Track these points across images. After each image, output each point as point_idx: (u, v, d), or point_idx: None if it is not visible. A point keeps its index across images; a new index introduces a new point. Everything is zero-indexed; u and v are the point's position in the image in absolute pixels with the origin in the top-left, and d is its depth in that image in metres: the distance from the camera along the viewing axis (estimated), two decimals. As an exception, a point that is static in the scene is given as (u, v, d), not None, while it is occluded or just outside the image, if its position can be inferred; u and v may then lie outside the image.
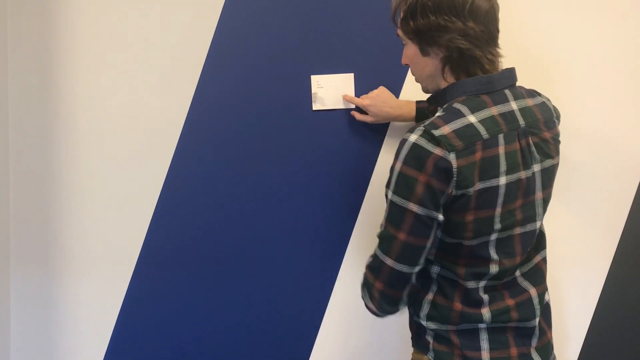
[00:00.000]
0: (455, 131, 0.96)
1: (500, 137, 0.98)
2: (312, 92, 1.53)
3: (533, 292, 1.08)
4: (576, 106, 1.50)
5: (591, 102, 1.50)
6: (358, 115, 1.48)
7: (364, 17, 1.52)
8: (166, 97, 1.56)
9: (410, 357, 1.18)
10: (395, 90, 1.52)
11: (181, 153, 1.57)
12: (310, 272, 1.57)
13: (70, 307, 1.61)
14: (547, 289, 1.15)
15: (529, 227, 1.04)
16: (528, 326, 1.06)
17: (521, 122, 1.02)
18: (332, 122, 1.53)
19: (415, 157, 0.95)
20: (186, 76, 1.55)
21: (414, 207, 0.96)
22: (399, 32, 1.10)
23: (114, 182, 1.58)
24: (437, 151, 0.94)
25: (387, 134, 1.53)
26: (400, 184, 0.97)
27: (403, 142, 0.99)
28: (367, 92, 1.49)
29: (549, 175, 1.07)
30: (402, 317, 1.54)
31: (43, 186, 1.59)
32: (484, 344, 1.04)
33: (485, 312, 1.03)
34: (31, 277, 1.61)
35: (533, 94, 1.11)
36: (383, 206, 1.54)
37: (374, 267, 1.04)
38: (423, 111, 1.42)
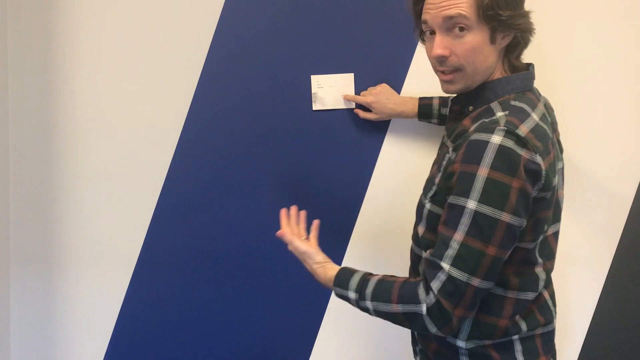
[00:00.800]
0: (532, 131, 0.88)
1: (551, 133, 0.95)
2: (312, 92, 1.53)
3: (546, 294, 1.03)
4: (576, 106, 1.50)
5: (591, 102, 1.50)
6: (362, 113, 1.48)
7: (364, 17, 1.52)
8: (166, 97, 1.56)
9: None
10: (396, 90, 1.52)
11: (181, 153, 1.57)
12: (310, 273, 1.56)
13: (70, 307, 1.61)
14: None
15: (558, 226, 1.00)
16: (549, 329, 1.02)
17: (549, 118, 1.00)
18: (332, 122, 1.53)
19: (505, 160, 0.83)
20: (186, 76, 1.55)
21: (507, 218, 0.84)
22: (464, 17, 0.91)
23: (114, 182, 1.58)
24: (525, 153, 0.84)
25: (388, 134, 1.53)
26: (491, 193, 0.84)
27: (481, 144, 0.85)
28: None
29: (563, 176, 1.05)
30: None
31: (43, 186, 1.59)
32: (519, 355, 0.97)
33: (521, 321, 0.97)
34: (31, 277, 1.61)
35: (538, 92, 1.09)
36: (383, 206, 1.55)
37: (454, 294, 0.86)
38: (426, 108, 1.40)
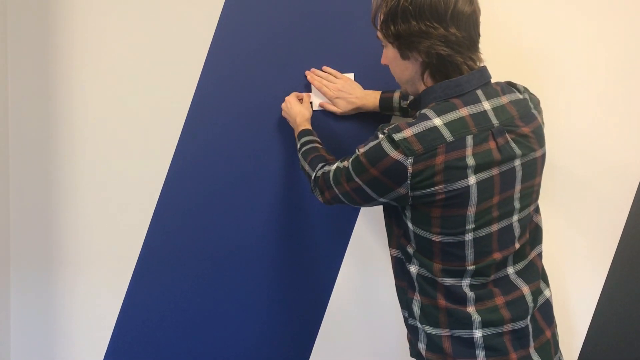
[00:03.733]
0: (416, 134, 0.97)
1: (469, 138, 0.97)
2: (312, 92, 1.53)
3: (526, 289, 1.06)
4: (576, 106, 1.50)
5: (591, 102, 1.50)
6: (328, 106, 1.50)
7: (364, 17, 1.52)
8: (166, 97, 1.56)
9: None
10: (395, 90, 1.52)
11: (181, 153, 1.57)
12: (310, 272, 1.57)
13: (70, 307, 1.61)
14: (547, 286, 1.14)
15: (505, 223, 1.03)
16: (522, 326, 1.04)
17: (494, 121, 1.01)
18: (332, 122, 1.53)
19: (373, 153, 1.00)
20: (186, 76, 1.55)
21: (359, 182, 1.04)
22: (379, 34, 1.09)
23: (114, 182, 1.58)
24: (395, 155, 0.97)
25: (387, 134, 1.53)
26: (355, 165, 1.04)
27: (375, 136, 1.03)
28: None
29: (532, 168, 1.05)
30: (401, 319, 1.54)
31: (43, 186, 1.59)
32: (480, 351, 1.02)
33: (472, 311, 1.03)
34: (31, 277, 1.61)
35: (509, 89, 1.09)
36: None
37: (326, 182, 1.14)
38: (387, 101, 1.43)
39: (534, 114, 1.09)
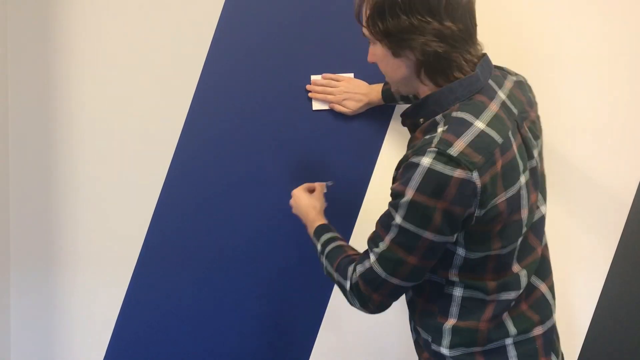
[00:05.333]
0: (470, 145, 0.85)
1: (510, 134, 0.90)
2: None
3: (544, 287, 1.01)
4: (576, 106, 1.50)
5: (591, 101, 1.50)
6: (337, 107, 1.48)
7: (364, 17, 1.52)
8: (166, 97, 1.56)
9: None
10: (395, 90, 1.53)
11: (181, 153, 1.57)
12: (310, 272, 1.57)
13: (70, 307, 1.61)
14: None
15: (536, 217, 0.98)
16: (549, 326, 1.00)
17: (514, 110, 0.95)
18: (332, 122, 1.53)
19: (432, 184, 0.84)
20: (186, 76, 1.55)
21: (430, 236, 0.87)
22: (365, 31, 0.98)
23: (114, 181, 1.58)
24: (458, 173, 0.84)
25: (387, 134, 1.53)
26: (414, 214, 0.87)
27: (412, 165, 0.87)
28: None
29: (541, 157, 1.02)
30: (401, 319, 1.54)
31: (43, 186, 1.59)
32: (513, 358, 0.97)
33: (508, 321, 0.96)
34: (31, 277, 1.61)
35: (505, 74, 1.02)
36: (383, 206, 1.54)
37: (372, 282, 0.94)
38: (388, 92, 1.40)
39: (531, 97, 1.04)
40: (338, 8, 1.52)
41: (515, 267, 0.95)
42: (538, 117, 1.02)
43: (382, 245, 0.92)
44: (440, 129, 0.90)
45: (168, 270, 1.58)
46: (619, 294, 1.52)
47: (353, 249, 1.08)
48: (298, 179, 1.55)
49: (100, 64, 1.57)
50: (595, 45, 1.49)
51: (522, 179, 0.91)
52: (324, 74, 1.51)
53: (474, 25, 0.93)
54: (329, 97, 1.47)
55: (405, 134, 1.52)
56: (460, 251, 0.93)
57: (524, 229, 0.93)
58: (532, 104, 1.01)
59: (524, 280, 0.96)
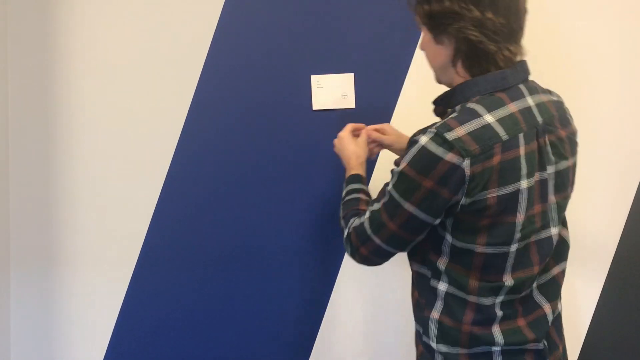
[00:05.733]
0: (470, 133, 0.87)
1: (521, 136, 0.90)
2: (312, 92, 1.53)
3: (547, 308, 1.00)
4: (576, 105, 1.50)
5: (591, 101, 1.50)
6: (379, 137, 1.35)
7: (364, 17, 1.52)
8: (166, 97, 1.56)
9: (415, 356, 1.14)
10: (395, 90, 1.52)
11: (181, 153, 1.57)
12: (310, 272, 1.57)
13: (70, 307, 1.61)
14: (560, 300, 1.08)
15: (543, 235, 0.96)
16: (541, 347, 0.98)
17: (539, 118, 0.94)
18: (332, 122, 1.53)
19: (423, 161, 0.89)
20: (186, 76, 1.55)
21: (409, 208, 0.92)
22: (416, 17, 1.01)
23: (114, 182, 1.58)
24: (449, 157, 0.87)
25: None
26: (400, 184, 0.92)
27: (412, 142, 0.92)
28: (367, 92, 1.52)
29: (563, 179, 0.98)
30: (401, 319, 1.54)
31: (43, 186, 1.59)
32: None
33: (497, 332, 0.95)
34: (31, 277, 1.61)
35: (543, 89, 1.04)
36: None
37: (361, 236, 1.01)
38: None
39: (569, 119, 1.03)
40: (338, 8, 1.52)
41: (507, 277, 0.94)
42: (570, 140, 1.00)
43: (376, 206, 0.99)
44: (450, 115, 0.93)
45: (168, 270, 1.58)
46: (619, 294, 1.52)
47: (367, 205, 1.11)
48: (298, 179, 1.55)
49: (100, 63, 1.57)
50: (595, 44, 1.49)
51: (524, 184, 0.90)
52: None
53: (519, 24, 0.95)
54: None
55: (405, 133, 1.53)
56: (448, 237, 0.95)
57: (518, 235, 0.92)
58: (565, 123, 1.01)
59: (503, 292, 0.95)
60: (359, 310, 1.57)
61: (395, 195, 0.93)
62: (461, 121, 0.89)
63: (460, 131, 0.88)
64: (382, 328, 1.57)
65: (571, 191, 1.03)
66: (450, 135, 0.87)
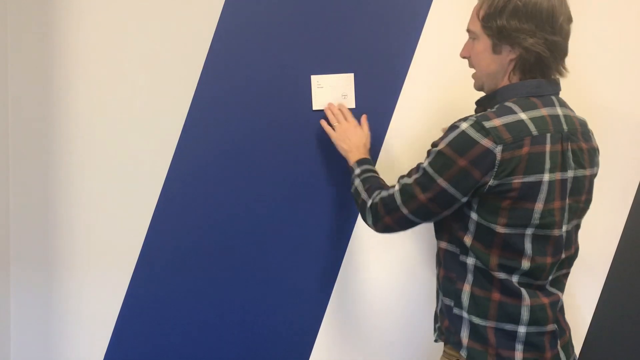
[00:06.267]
0: (505, 125, 1.01)
1: (548, 136, 1.03)
2: (312, 92, 1.53)
3: (560, 296, 1.14)
4: (576, 105, 1.50)
5: (591, 101, 1.50)
6: (330, 134, 1.45)
7: (364, 17, 1.52)
8: (166, 97, 1.56)
9: (442, 352, 1.21)
10: (395, 90, 1.52)
11: (181, 153, 1.57)
12: (310, 272, 1.57)
13: (70, 307, 1.61)
14: None
15: (557, 232, 1.07)
16: (556, 327, 1.11)
17: (565, 127, 1.07)
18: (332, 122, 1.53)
19: (460, 143, 1.02)
20: (186, 76, 1.55)
21: (442, 183, 1.04)
22: (473, 27, 1.12)
23: (114, 182, 1.58)
24: (485, 142, 1.00)
25: (387, 134, 1.53)
26: (438, 161, 1.04)
27: (453, 127, 1.04)
28: (367, 92, 1.52)
29: (579, 185, 1.10)
30: (401, 319, 1.54)
31: (43, 186, 1.59)
32: (519, 345, 1.07)
33: (525, 305, 1.06)
34: (31, 277, 1.61)
35: (573, 112, 1.15)
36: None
37: (388, 205, 1.13)
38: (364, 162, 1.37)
39: (591, 137, 1.17)
40: (338, 8, 1.52)
41: (524, 261, 1.06)
42: (589, 153, 1.13)
43: (408, 180, 1.11)
44: (489, 110, 1.07)
45: (168, 270, 1.58)
46: (619, 294, 1.52)
47: (384, 182, 1.27)
48: (298, 179, 1.55)
49: (100, 64, 1.57)
50: (595, 45, 1.49)
51: (546, 177, 1.02)
52: (341, 106, 1.49)
53: (567, 45, 1.09)
54: (335, 127, 1.45)
55: (405, 133, 1.53)
56: (474, 215, 1.06)
57: (536, 222, 1.03)
58: (587, 138, 1.14)
59: (517, 273, 1.07)
60: (359, 309, 1.57)
61: (430, 171, 1.05)
62: (498, 114, 1.03)
63: (497, 122, 1.01)
64: (382, 328, 1.57)
65: (586, 200, 1.15)
66: (487, 124, 1.01)
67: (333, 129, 1.45)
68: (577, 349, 1.54)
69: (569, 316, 1.53)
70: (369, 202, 1.18)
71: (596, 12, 1.48)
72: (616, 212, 1.51)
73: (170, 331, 1.59)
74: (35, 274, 1.61)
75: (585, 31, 1.49)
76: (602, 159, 1.50)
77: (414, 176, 1.09)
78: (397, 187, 1.13)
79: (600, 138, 1.49)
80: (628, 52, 1.49)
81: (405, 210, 1.10)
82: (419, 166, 1.10)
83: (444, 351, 1.19)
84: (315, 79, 1.53)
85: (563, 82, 1.41)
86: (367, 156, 1.36)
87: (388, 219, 1.14)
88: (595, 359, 1.54)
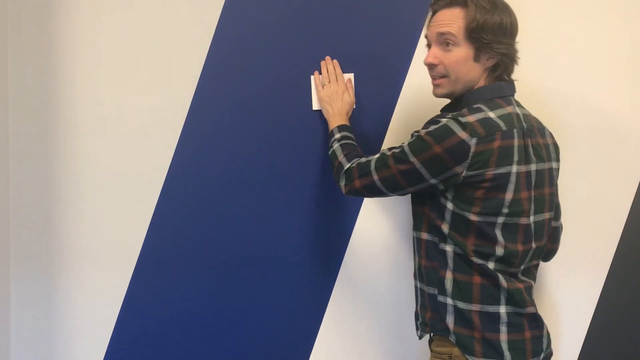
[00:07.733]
0: (478, 120, 1.09)
1: (515, 131, 1.11)
2: (312, 92, 1.53)
3: (533, 283, 1.21)
4: (576, 105, 1.50)
5: (591, 101, 1.50)
6: (318, 97, 1.52)
7: (364, 18, 1.52)
8: (166, 97, 1.56)
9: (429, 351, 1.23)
10: (395, 90, 1.52)
11: (181, 153, 1.57)
12: (310, 273, 1.57)
13: (70, 307, 1.61)
14: None
15: (524, 221, 1.14)
16: (533, 311, 1.17)
17: (524, 124, 1.15)
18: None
19: (441, 132, 1.09)
20: (186, 76, 1.55)
21: (414, 162, 1.12)
22: (456, 31, 1.14)
23: (114, 181, 1.58)
24: (462, 134, 1.07)
25: (387, 133, 1.53)
26: (417, 144, 1.12)
27: (434, 122, 1.13)
28: (367, 92, 1.51)
29: (541, 177, 1.17)
30: (400, 319, 1.54)
31: (43, 186, 1.59)
32: (503, 327, 1.13)
33: (503, 288, 1.13)
34: (31, 277, 1.61)
35: (530, 114, 1.23)
36: (382, 205, 1.55)
37: (363, 170, 1.22)
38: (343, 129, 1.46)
39: (546, 133, 1.24)
40: (338, 8, 1.52)
41: (497, 247, 1.13)
42: (546, 148, 1.20)
43: (387, 152, 1.19)
44: (460, 111, 1.15)
45: (168, 270, 1.58)
46: (619, 294, 1.52)
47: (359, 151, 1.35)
48: (298, 179, 1.55)
49: (100, 63, 1.57)
50: (595, 45, 1.49)
51: (514, 168, 1.10)
52: (336, 63, 1.52)
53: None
54: (324, 85, 1.50)
55: (405, 133, 1.53)
56: (449, 205, 1.14)
57: (505, 210, 1.11)
58: (542, 135, 1.21)
59: (492, 260, 1.14)
60: (359, 310, 1.57)
61: (407, 150, 1.14)
62: (471, 113, 1.11)
63: (470, 118, 1.09)
64: (382, 328, 1.57)
65: (551, 193, 1.21)
66: (463, 119, 1.09)
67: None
68: (577, 349, 1.54)
69: (569, 316, 1.53)
70: (347, 166, 1.27)
71: (598, 9, 1.48)
72: (616, 212, 1.51)
73: (170, 331, 1.59)
74: (35, 273, 1.61)
75: (585, 27, 1.49)
76: (602, 159, 1.51)
77: (393, 150, 1.18)
78: (375, 156, 1.21)
79: (600, 138, 1.50)
80: (628, 51, 1.49)
81: (375, 177, 1.18)
82: (401, 144, 1.18)
83: (432, 350, 1.23)
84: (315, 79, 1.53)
85: (568, 83, 1.46)
86: (348, 123, 1.44)
87: (358, 182, 1.22)
88: (595, 359, 1.54)
